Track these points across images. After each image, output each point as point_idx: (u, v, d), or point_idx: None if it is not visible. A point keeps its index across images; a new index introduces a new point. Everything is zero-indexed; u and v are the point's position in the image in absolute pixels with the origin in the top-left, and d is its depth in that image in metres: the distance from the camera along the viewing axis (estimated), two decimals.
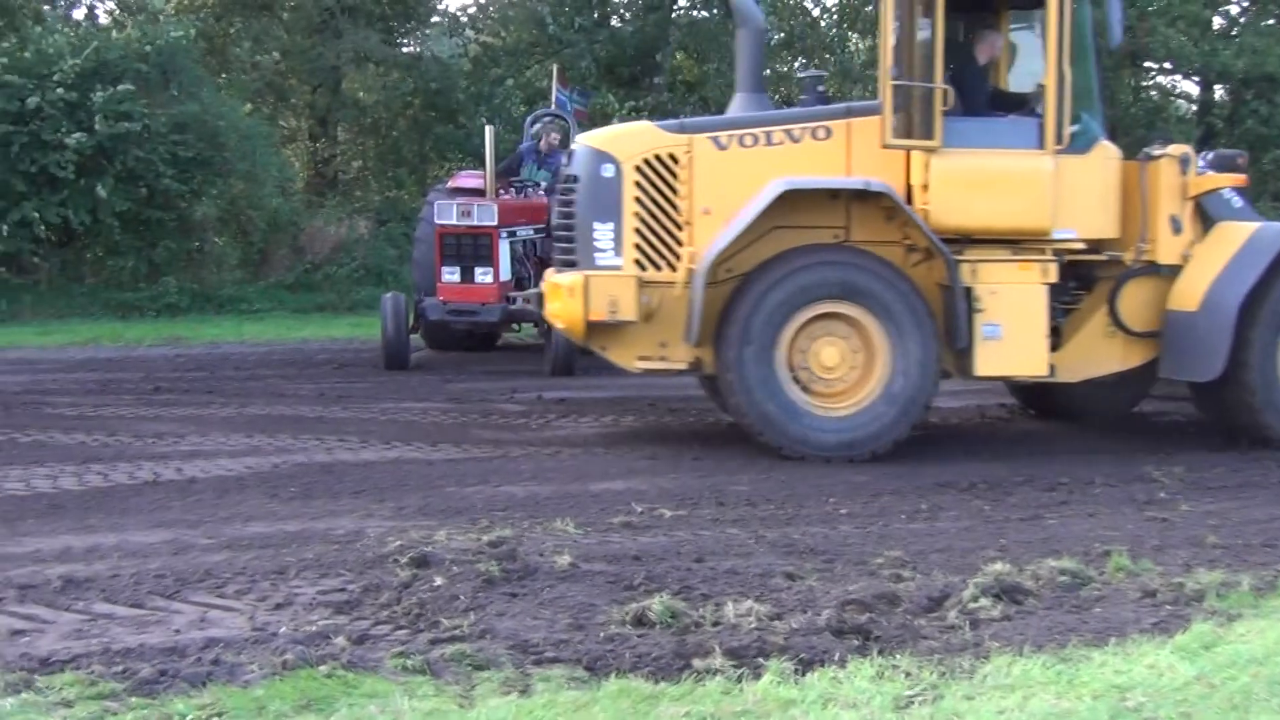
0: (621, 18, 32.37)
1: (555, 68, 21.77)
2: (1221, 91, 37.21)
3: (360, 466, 10.74)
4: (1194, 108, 40.43)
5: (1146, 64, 38.80)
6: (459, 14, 32.72)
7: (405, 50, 30.08)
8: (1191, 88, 39.88)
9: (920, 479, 10.47)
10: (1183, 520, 9.14)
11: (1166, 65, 37.44)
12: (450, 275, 16.61)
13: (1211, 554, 8.17)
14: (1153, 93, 39.17)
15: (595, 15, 32.04)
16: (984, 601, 6.99)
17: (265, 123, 27.09)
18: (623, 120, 29.90)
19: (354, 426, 12.69)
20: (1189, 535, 8.66)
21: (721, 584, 7.33)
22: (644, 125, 11.87)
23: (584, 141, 11.81)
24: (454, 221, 16.50)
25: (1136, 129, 38.25)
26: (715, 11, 31.76)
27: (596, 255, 11.39)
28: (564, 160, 16.58)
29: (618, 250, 11.38)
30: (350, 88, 30.42)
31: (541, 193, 17.75)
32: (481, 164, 30.14)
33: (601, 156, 11.46)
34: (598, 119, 30.01)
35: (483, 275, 16.55)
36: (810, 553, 8.12)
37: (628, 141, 11.57)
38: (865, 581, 7.37)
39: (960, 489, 10.11)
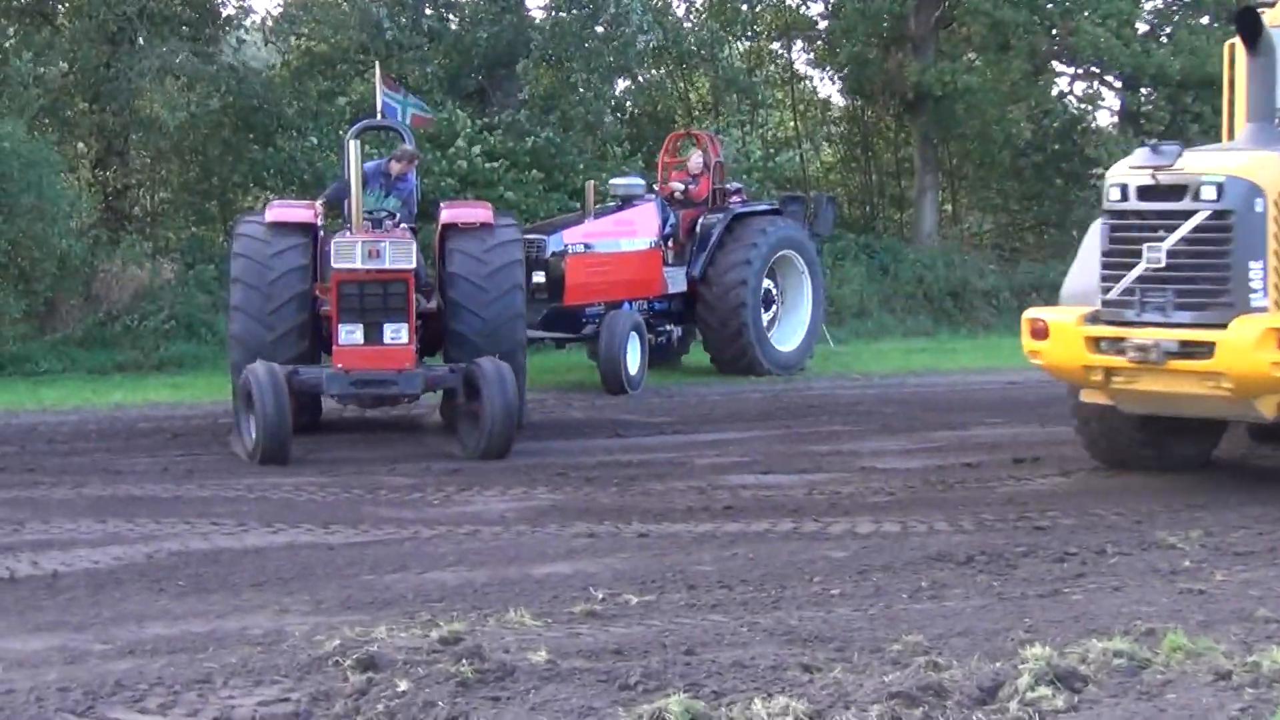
0: (469, 20, 32.40)
1: (377, 67, 20.78)
2: (1149, 97, 38.39)
3: (250, 554, 10.66)
4: (1114, 117, 41.79)
5: (1058, 67, 40.04)
6: (270, 12, 32.41)
7: (215, 60, 29.63)
8: (1112, 98, 41.19)
9: (907, 552, 10.67)
10: (1220, 591, 9.43)
11: (1093, 69, 38.63)
12: (350, 335, 15.39)
13: (1267, 628, 8.43)
14: (1071, 98, 40.36)
15: (440, 17, 32.05)
16: (1042, 690, 7.13)
17: (49, 147, 26.63)
18: (468, 135, 30.11)
19: (223, 507, 12.60)
20: (1234, 609, 8.93)
21: (731, 679, 7.40)
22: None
23: (1231, 170, 12.08)
24: (357, 265, 15.25)
25: (1050, 140, 39.48)
26: (580, 10, 31.88)
27: (1251, 297, 11.91)
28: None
29: (1264, 291, 11.94)
30: (148, 105, 30.06)
31: (401, 225, 16.85)
32: (305, 191, 30.41)
33: (1254, 190, 11.96)
34: (445, 136, 30.13)
35: (394, 334, 15.39)
36: (816, 640, 8.24)
37: (1273, 171, 12.05)
38: (898, 672, 7.49)
39: (958, 562, 10.32)
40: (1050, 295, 35.86)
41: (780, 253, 24.42)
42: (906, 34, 38.06)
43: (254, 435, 14.84)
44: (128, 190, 31.48)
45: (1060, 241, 41.39)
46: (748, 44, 43.66)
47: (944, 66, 35.93)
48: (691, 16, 40.24)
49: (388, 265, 15.31)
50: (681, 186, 24.72)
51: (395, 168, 17.58)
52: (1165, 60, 34.78)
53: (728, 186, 25.31)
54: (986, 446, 16.37)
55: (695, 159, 24.97)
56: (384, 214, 17.01)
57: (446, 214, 17.05)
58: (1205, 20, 37.21)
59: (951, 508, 12.62)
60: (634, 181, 24.37)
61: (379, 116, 19.73)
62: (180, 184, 31.86)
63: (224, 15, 31.60)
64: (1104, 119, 42.54)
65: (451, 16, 33.38)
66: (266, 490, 13.49)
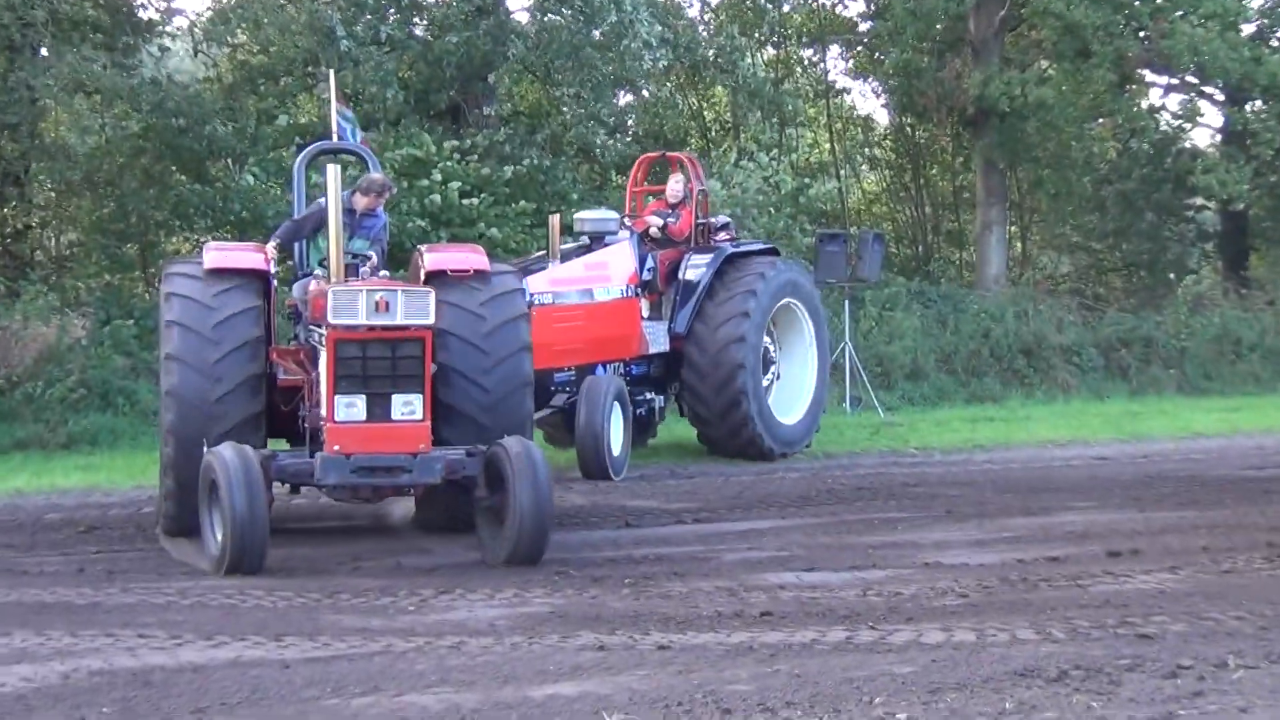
0: (438, 25, 32.54)
1: (331, 78, 20.44)
2: (1258, 113, 38.49)
3: (187, 672, 10.60)
4: (1217, 135, 41.90)
5: (1149, 77, 40.13)
6: (200, 15, 32.45)
7: (135, 73, 29.70)
8: (1213, 114, 41.29)
9: (986, 667, 10.61)
10: None
11: (1190, 78, 38.73)
12: (350, 409, 14.52)
13: None
14: (1164, 114, 40.47)
15: (402, 21, 32.17)
16: None
17: None
18: (444, 166, 30.17)
19: (152, 615, 12.54)
20: None
21: None
22: None
23: None
24: (360, 320, 14.47)
25: (1139, 164, 39.54)
26: (570, 10, 32.00)
27: None
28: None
29: None
30: (52, 127, 30.22)
31: (381, 272, 16.07)
32: (240, 233, 30.43)
33: None
34: (407, 165, 30.21)
35: (406, 408, 14.60)
36: None
37: None
38: None
39: (1048, 679, 10.26)
40: (1144, 351, 36.15)
41: (781, 301, 23.78)
42: (966, 38, 38.33)
43: (219, 539, 14.13)
44: (29, 231, 31.54)
45: (1152, 286, 41.56)
46: (773, 50, 43.92)
47: (1012, 77, 36.10)
48: (706, 18, 40.49)
49: (399, 320, 14.48)
50: (659, 222, 23.70)
51: (361, 202, 17.06)
52: (1278, 68, 34.84)
53: (714, 221, 24.36)
54: (1075, 536, 16.38)
55: (674, 186, 23.98)
56: (358, 259, 16.11)
57: (431, 259, 16.41)
58: None
59: (1037, 612, 12.56)
60: (605, 215, 23.37)
61: (333, 138, 19.26)
62: (92, 223, 31.89)
63: (144, 19, 31.61)
64: (1202, 138, 42.72)
65: (417, 20, 33.52)
66: (203, 595, 13.40)
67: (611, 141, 33.44)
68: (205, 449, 14.51)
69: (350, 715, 9.51)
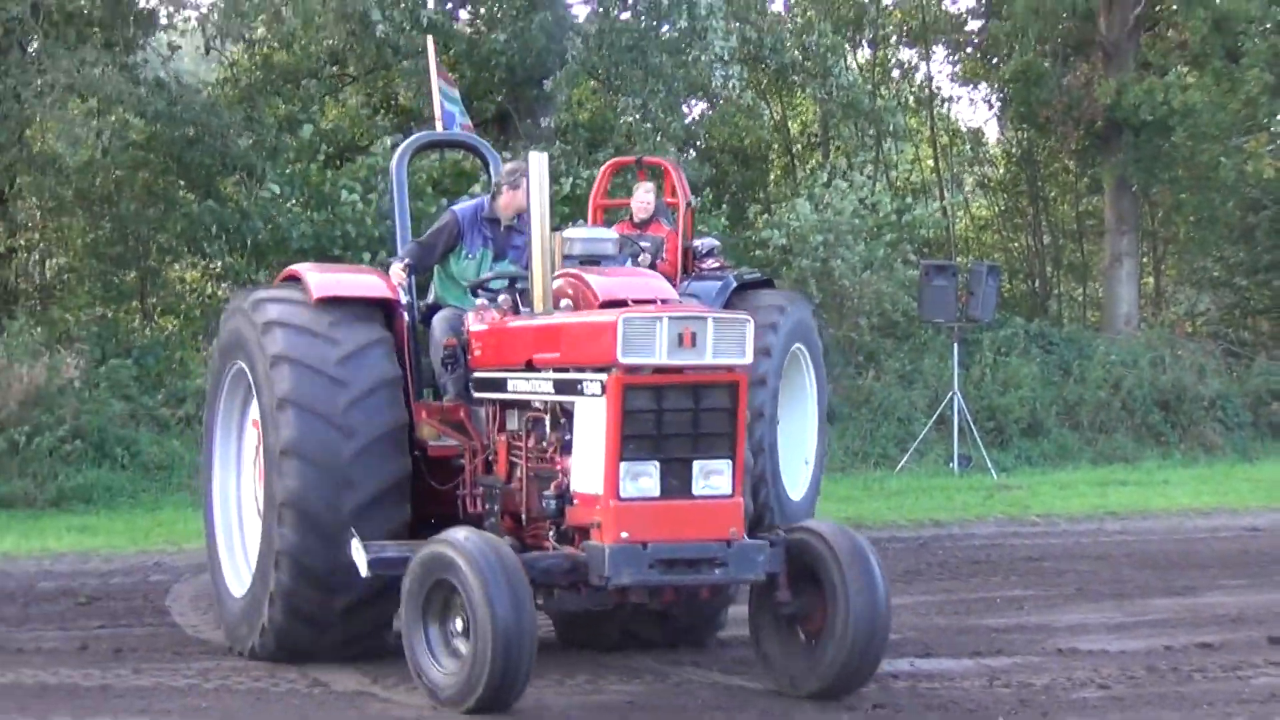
0: (487, 19, 32.73)
1: (430, 45, 18.61)
2: None
3: None
4: None
5: None
6: (212, 6, 32.56)
7: (139, 75, 29.83)
8: None
9: None
10: None
11: None
12: (639, 482, 12.22)
13: None
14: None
15: (447, 14, 32.32)
16: None
17: None
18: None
19: (170, 700, 12.62)
20: None
21: None
22: None
23: None
24: (662, 358, 12.15)
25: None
26: (638, 7, 32.12)
27: None
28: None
29: None
30: (39, 136, 30.39)
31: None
32: (258, 259, 30.54)
33: None
34: (448, 178, 30.30)
35: (712, 480, 12.43)
36: None
37: None
38: None
39: None
40: None
41: (794, 345, 22.25)
42: (1095, 39, 38.21)
43: (454, 662, 12.16)
44: (14, 255, 31.72)
45: None
46: (869, 52, 44.00)
47: (1152, 82, 35.93)
48: (792, 14, 40.47)
49: (708, 359, 12.23)
50: (650, 252, 21.29)
51: (507, 204, 14.92)
52: None
53: (698, 245, 22.26)
54: (1229, 620, 16.36)
55: (641, 198, 21.79)
56: (500, 289, 14.37)
57: (602, 285, 14.36)
58: None
59: (1192, 706, 12.59)
60: (601, 235, 21.18)
61: (437, 125, 17.17)
62: (84, 246, 32.01)
63: (147, 9, 31.55)
64: None
65: (463, 14, 33.65)
66: (227, 677, 13.44)
67: (680, 156, 33.46)
68: (354, 537, 13.01)
69: None
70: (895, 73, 45.91)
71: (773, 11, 38.89)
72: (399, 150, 16.20)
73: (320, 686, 13.30)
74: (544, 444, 13.15)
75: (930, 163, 45.92)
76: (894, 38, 44.83)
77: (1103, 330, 38.40)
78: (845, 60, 37.44)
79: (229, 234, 30.49)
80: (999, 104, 43.68)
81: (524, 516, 13.34)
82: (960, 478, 29.41)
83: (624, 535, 12.02)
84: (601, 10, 32.72)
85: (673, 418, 12.24)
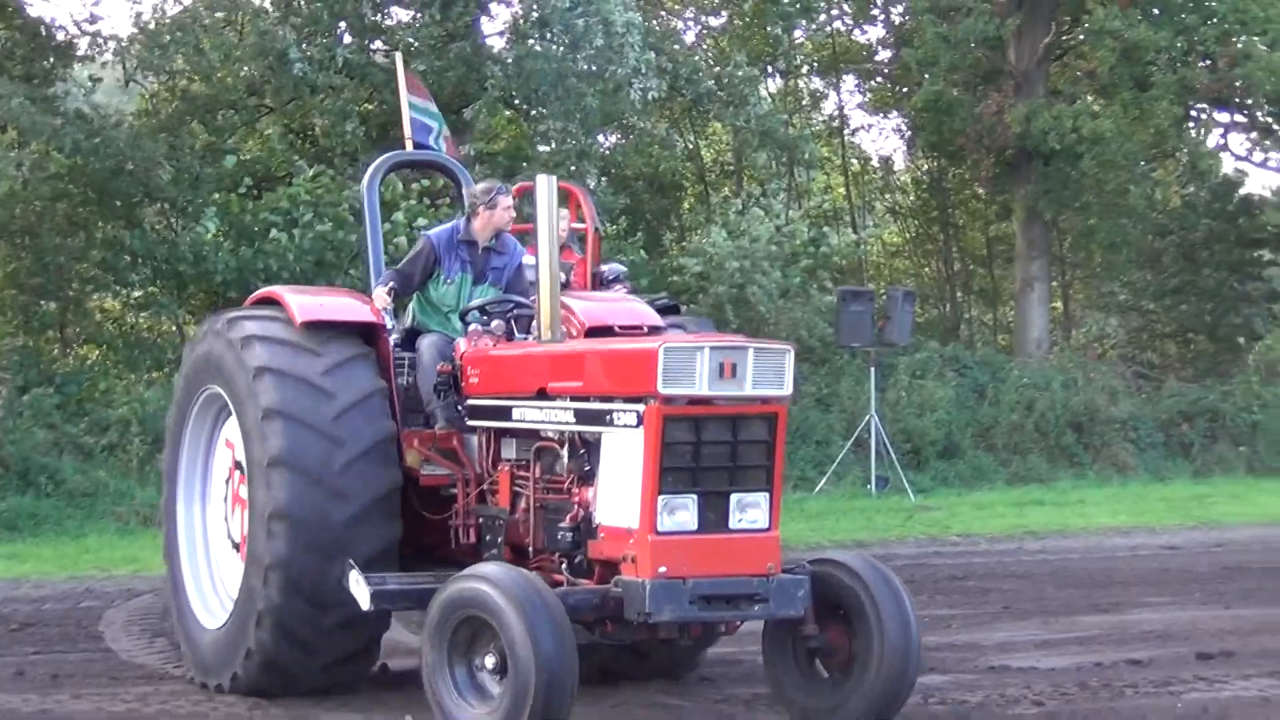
0: (404, 50, 32.61)
1: (398, 60, 17.93)
2: None
3: None
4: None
5: (1201, 111, 40.22)
6: (132, 38, 32.41)
7: (58, 108, 29.65)
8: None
9: None
10: None
11: (1258, 113, 38.99)
12: (676, 515, 11.68)
13: None
14: (1226, 159, 40.63)
15: (361, 47, 32.26)
16: None
17: None
18: (411, 212, 30.16)
19: None
20: None
21: None
22: None
23: None
24: (703, 389, 11.65)
25: (1201, 214, 39.65)
26: (552, 37, 32.08)
27: None
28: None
29: None
30: None
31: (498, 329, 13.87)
32: (179, 289, 30.33)
33: None
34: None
35: (749, 513, 11.92)
36: None
37: None
38: None
39: None
40: (1209, 427, 36.18)
41: None
42: (1005, 69, 38.33)
43: (502, 702, 11.26)
44: None
45: (1213, 353, 41.59)
46: (780, 82, 44.09)
47: (1061, 110, 36.11)
48: (705, 45, 40.58)
49: (748, 391, 11.78)
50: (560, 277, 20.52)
51: (483, 226, 14.37)
52: None
53: (604, 271, 20.50)
54: (1156, 637, 16.43)
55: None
56: (505, 308, 14.01)
57: (585, 310, 14.33)
58: None
59: None
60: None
61: (406, 144, 16.31)
62: (5, 276, 31.81)
63: (65, 41, 31.52)
64: (1259, 182, 42.80)
65: (379, 45, 33.59)
66: (166, 701, 13.38)
67: (600, 183, 33.46)
68: (352, 568, 12.71)
69: None
70: (806, 102, 45.99)
71: (685, 42, 39.03)
72: (369, 171, 15.60)
73: (259, 709, 13.20)
74: (557, 475, 12.63)
75: (842, 190, 45.95)
76: (805, 68, 44.87)
77: (1014, 354, 38.53)
78: (760, 90, 37.50)
79: (153, 264, 30.38)
80: (910, 132, 43.72)
81: (530, 548, 12.78)
82: (878, 499, 29.47)
83: (662, 570, 11.50)
84: (517, 39, 32.69)
85: (711, 450, 11.73)
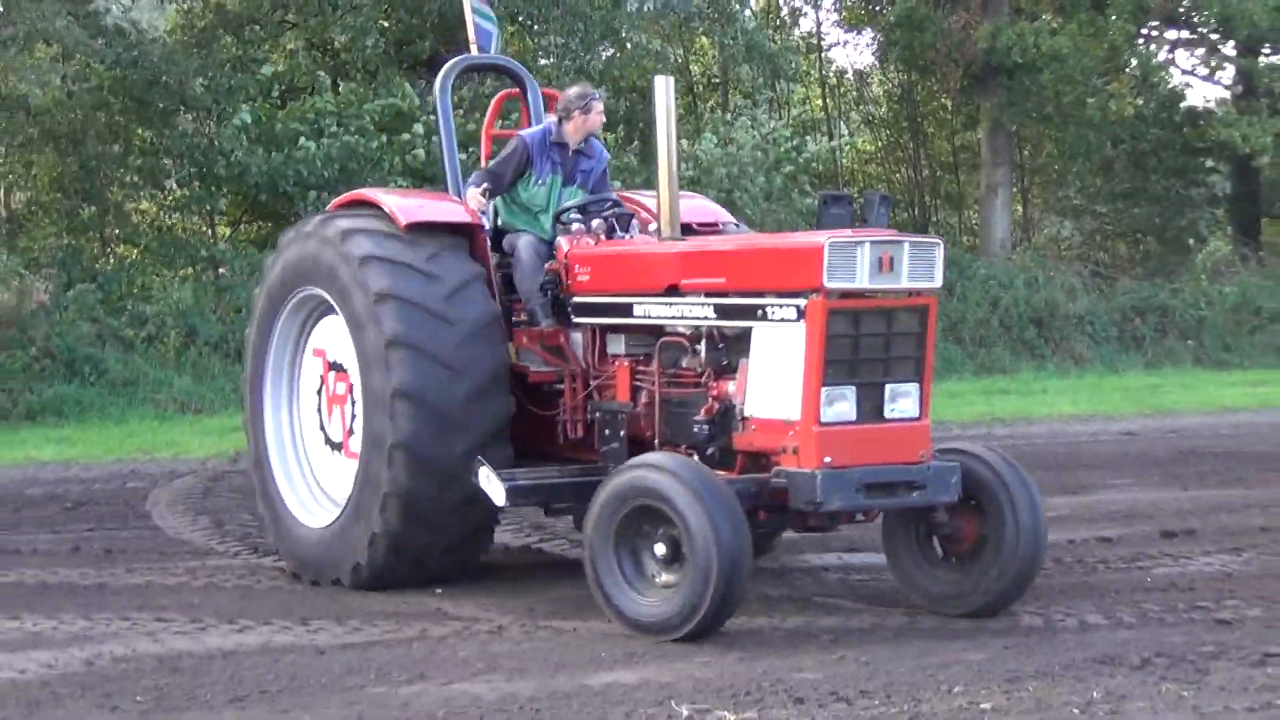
0: None
1: None
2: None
3: (217, 659, 10.58)
4: (1227, 91, 42.05)
5: (1152, 28, 40.19)
6: None
7: (99, 24, 29.49)
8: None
9: (1063, 654, 10.60)
10: None
11: (1204, 32, 38.98)
12: (836, 406, 11.29)
13: None
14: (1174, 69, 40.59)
15: None
16: None
17: None
18: (428, 120, 30.04)
19: (165, 598, 12.60)
20: None
21: None
22: None
23: None
24: (864, 283, 11.22)
25: (1151, 124, 39.63)
26: None
27: None
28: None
29: None
30: (8, 82, 29.95)
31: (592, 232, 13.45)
32: (215, 189, 30.34)
33: None
34: (388, 118, 30.12)
35: (900, 403, 11.55)
36: None
37: None
38: None
39: (1132, 666, 10.24)
40: (1159, 321, 36.19)
41: None
42: None
43: (679, 590, 11.04)
44: None
45: (1161, 254, 41.61)
46: (763, 1, 43.91)
47: (1024, 27, 36.05)
48: None
49: (903, 284, 11.35)
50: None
51: (575, 129, 13.87)
52: None
53: None
54: (1121, 515, 16.45)
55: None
56: (582, 213, 13.52)
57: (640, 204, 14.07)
58: None
59: (1100, 595, 12.59)
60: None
61: (471, 47, 15.32)
62: (51, 180, 31.69)
63: None
64: (1209, 93, 42.76)
65: None
66: (213, 575, 13.49)
67: (599, 94, 33.25)
68: (483, 464, 12.39)
69: (400, 704, 9.46)
70: (786, 18, 45.79)
71: None
72: (440, 75, 14.83)
73: (299, 582, 13.24)
74: (685, 369, 12.29)
75: (819, 102, 45.83)
76: None
77: (980, 254, 38.46)
78: (746, 8, 37.36)
79: (190, 166, 30.27)
80: (884, 48, 43.52)
81: (656, 441, 12.33)
82: None
83: (827, 460, 11.09)
84: None
85: (868, 342, 11.34)
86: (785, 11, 45.77)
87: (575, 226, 13.33)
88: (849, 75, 47.56)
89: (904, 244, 11.25)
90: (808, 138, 37.49)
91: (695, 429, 11.90)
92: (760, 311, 11.51)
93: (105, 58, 29.16)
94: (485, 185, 13.46)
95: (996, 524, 11.76)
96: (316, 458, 13.92)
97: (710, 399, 11.88)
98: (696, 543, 10.60)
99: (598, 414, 12.85)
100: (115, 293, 28.65)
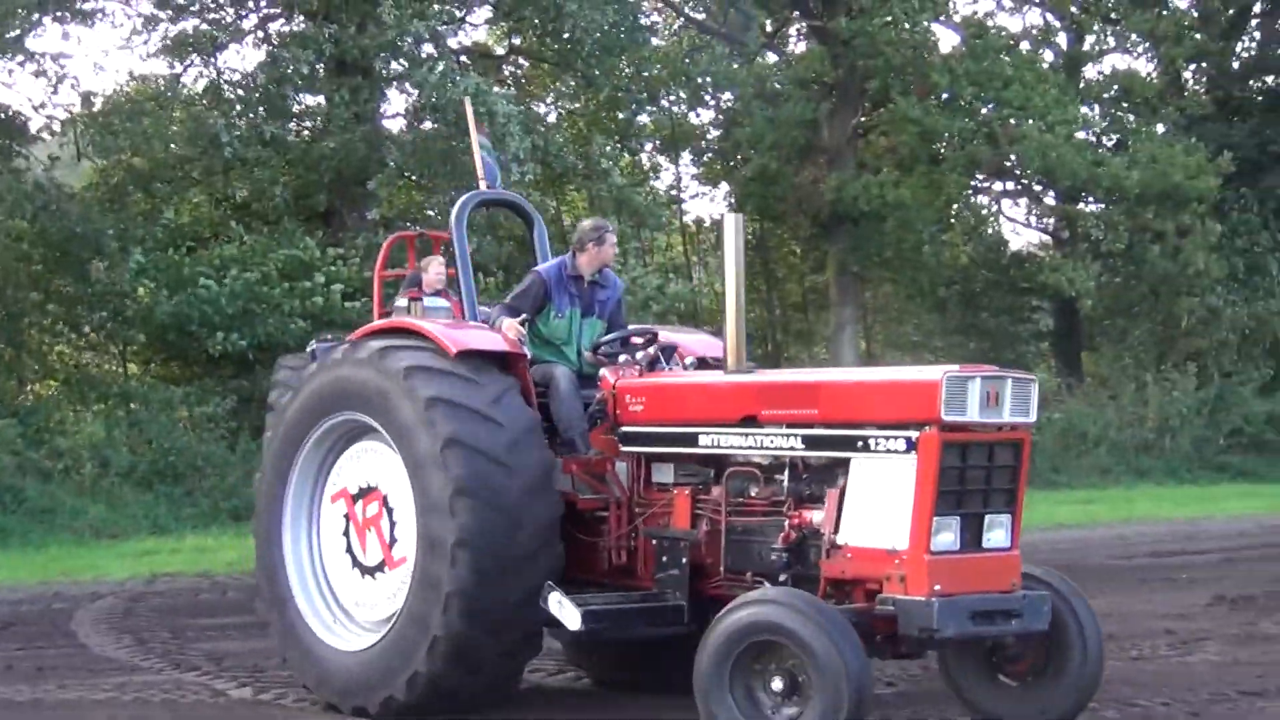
0: (314, 129, 32.35)
1: (467, 105, 16.74)
2: (1103, 213, 39.31)
3: None
4: (1048, 237, 42.65)
5: (983, 182, 40.78)
6: (82, 122, 31.85)
7: (22, 178, 29.27)
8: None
9: None
10: None
11: (1027, 183, 39.58)
12: (944, 535, 10.74)
13: None
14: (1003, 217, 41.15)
15: (285, 128, 31.93)
16: None
17: None
18: (327, 270, 29.92)
19: (97, 712, 12.32)
20: None
21: None
22: None
23: None
24: (974, 415, 10.74)
25: (979, 268, 40.03)
26: (442, 123, 31.90)
27: None
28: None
29: None
30: None
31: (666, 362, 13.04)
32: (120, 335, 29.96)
33: None
34: (290, 267, 29.95)
35: (997, 533, 11.00)
36: None
37: None
38: None
39: None
40: None
41: None
42: (820, 144, 38.65)
43: None
44: None
45: None
46: (627, 158, 44.12)
47: (869, 180, 36.43)
48: (564, 125, 40.63)
49: (1005, 418, 10.90)
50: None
51: (592, 258, 13.26)
52: (1120, 172, 35.54)
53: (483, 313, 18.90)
54: None
55: (436, 270, 18.67)
56: (607, 350, 12.96)
57: (686, 345, 13.47)
58: (1161, 129, 38.27)
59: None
60: (440, 304, 17.94)
61: (479, 183, 14.69)
62: None
63: (24, 121, 31.22)
64: (1021, 239, 43.34)
65: (293, 125, 33.36)
66: (140, 691, 13.11)
67: (487, 242, 33.25)
68: (553, 590, 11.65)
69: None
70: (649, 173, 46.06)
71: (548, 123, 38.93)
72: (456, 208, 14.16)
73: (222, 696, 12.95)
74: (756, 496, 11.55)
75: (680, 248, 46.04)
76: (648, 145, 44.90)
77: None
78: (616, 165, 37.50)
79: (102, 310, 30.03)
80: (736, 199, 43.85)
81: (719, 568, 11.62)
82: None
83: (936, 588, 10.49)
84: (413, 123, 32.66)
85: (971, 473, 10.77)
86: (648, 165, 45.95)
87: (623, 358, 12.70)
88: (707, 224, 47.88)
89: (1007, 379, 10.86)
90: (671, 276, 37.60)
91: (773, 556, 11.21)
92: (861, 443, 10.92)
93: (26, 210, 28.87)
94: (523, 316, 12.71)
95: (1063, 647, 11.25)
96: (346, 589, 12.81)
97: (789, 527, 11.18)
98: (826, 674, 9.91)
99: (653, 541, 12.07)
100: (33, 426, 28.20)
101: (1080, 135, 38.94)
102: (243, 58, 39.85)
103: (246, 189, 33.23)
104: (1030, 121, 35.61)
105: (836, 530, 10.90)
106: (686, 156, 45.85)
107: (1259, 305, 40.86)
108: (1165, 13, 41.54)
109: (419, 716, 11.79)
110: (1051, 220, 42.37)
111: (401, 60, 32.06)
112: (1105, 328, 44.34)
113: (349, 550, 12.68)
